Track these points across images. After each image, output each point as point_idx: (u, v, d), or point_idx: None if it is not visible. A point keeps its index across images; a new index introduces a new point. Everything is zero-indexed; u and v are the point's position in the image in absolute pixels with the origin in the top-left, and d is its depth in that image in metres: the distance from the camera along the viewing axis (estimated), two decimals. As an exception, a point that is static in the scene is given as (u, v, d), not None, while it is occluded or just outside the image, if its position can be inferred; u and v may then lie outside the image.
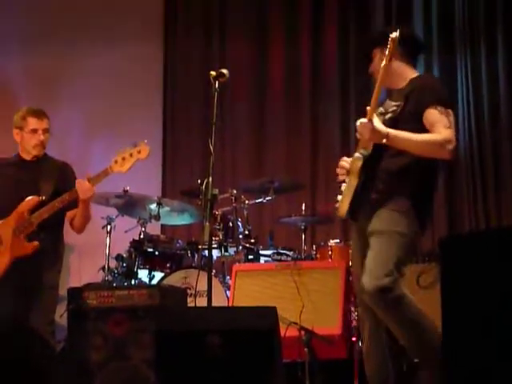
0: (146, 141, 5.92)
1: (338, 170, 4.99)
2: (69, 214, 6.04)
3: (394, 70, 5.06)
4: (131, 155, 5.87)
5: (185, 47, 9.75)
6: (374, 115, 4.78)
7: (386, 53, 4.77)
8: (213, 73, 5.58)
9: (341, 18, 9.30)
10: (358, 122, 4.81)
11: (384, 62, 4.79)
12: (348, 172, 4.92)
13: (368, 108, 4.81)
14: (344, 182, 4.96)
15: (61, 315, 6.28)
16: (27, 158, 6.12)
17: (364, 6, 9.23)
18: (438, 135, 4.79)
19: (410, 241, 4.84)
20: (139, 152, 5.88)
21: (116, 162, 5.87)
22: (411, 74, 5.13)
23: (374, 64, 5.15)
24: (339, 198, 4.98)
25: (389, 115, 4.92)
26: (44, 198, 5.94)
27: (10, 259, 5.92)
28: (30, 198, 5.95)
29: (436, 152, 4.86)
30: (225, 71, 5.58)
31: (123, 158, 5.86)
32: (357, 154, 4.85)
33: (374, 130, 4.74)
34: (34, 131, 6.04)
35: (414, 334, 4.74)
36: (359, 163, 4.84)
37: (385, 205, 4.84)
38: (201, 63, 9.60)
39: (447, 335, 3.54)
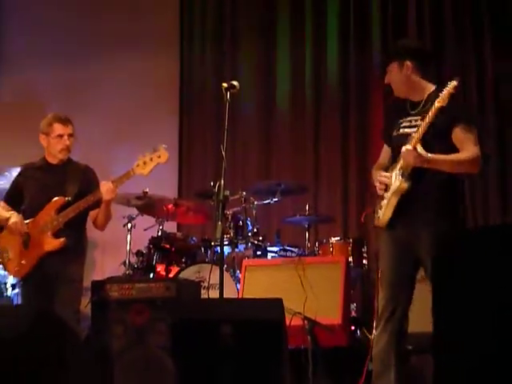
0: (165, 146, 5.94)
1: (378, 185, 5.04)
2: (92, 213, 6.05)
3: (413, 83, 5.08)
4: (151, 159, 5.89)
5: (199, 58, 9.75)
6: (419, 144, 4.80)
7: (445, 97, 4.79)
8: (224, 84, 5.59)
9: (340, 28, 9.28)
10: (404, 149, 4.83)
11: (441, 104, 4.79)
12: (386, 187, 4.98)
13: (413, 135, 4.83)
14: (383, 196, 5.02)
15: (85, 306, 6.29)
16: (53, 161, 6.13)
17: (362, 16, 9.20)
18: (468, 153, 4.90)
19: None
20: (159, 156, 5.90)
21: (138, 165, 5.89)
22: (428, 86, 5.12)
23: (391, 76, 5.11)
24: (380, 211, 5.02)
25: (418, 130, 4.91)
26: (69, 198, 5.96)
27: (38, 254, 5.94)
28: (56, 198, 5.97)
29: (468, 168, 5.04)
30: (235, 83, 5.59)
31: (144, 162, 5.88)
32: (403, 178, 4.89)
33: (418, 157, 4.78)
34: (60, 136, 6.04)
35: None
36: (405, 185, 4.88)
37: (438, 221, 4.89)
38: (214, 72, 9.61)
39: (438, 325, 3.52)
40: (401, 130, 5.08)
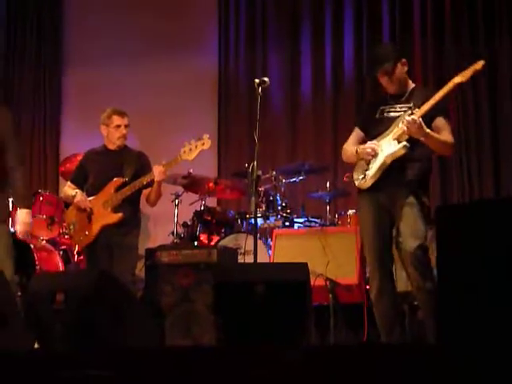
0: (208, 135, 5.95)
1: (368, 151, 4.96)
2: (144, 191, 6.09)
3: (402, 79, 5.05)
4: (196, 146, 5.91)
5: (234, 58, 9.73)
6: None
7: (468, 73, 4.78)
8: (257, 80, 5.59)
9: (355, 30, 9.24)
10: (409, 118, 4.77)
11: (461, 80, 4.81)
12: (376, 154, 4.92)
13: (417, 110, 4.80)
14: (369, 160, 4.97)
15: (140, 269, 6.33)
16: (112, 148, 6.17)
17: (373, 19, 9.16)
18: (451, 139, 4.93)
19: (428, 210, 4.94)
20: (203, 144, 5.92)
21: (184, 151, 5.92)
22: (410, 82, 5.12)
23: (394, 75, 5.01)
24: (369, 172, 4.96)
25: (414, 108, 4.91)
26: (127, 179, 6.00)
27: (100, 227, 5.99)
28: (116, 179, 6.01)
29: (447, 151, 5.12)
30: (266, 79, 5.59)
31: (190, 149, 5.91)
32: (403, 143, 4.84)
33: (420, 128, 4.75)
34: (118, 126, 6.09)
35: None
36: (403, 151, 4.84)
37: (417, 186, 4.91)
38: (247, 69, 9.58)
39: (441, 287, 3.51)
40: (385, 114, 5.05)
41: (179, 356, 3.69)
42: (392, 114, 5.01)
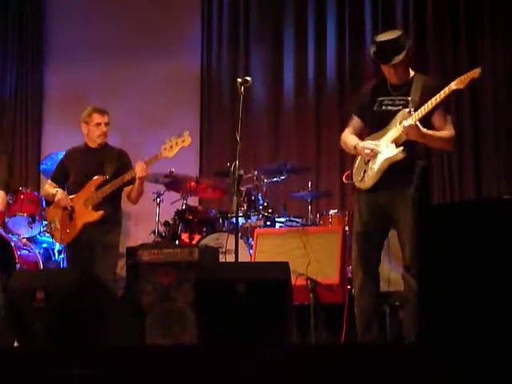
0: (188, 132, 5.95)
1: (368, 152, 4.95)
2: (126, 189, 6.09)
3: (405, 71, 5.02)
4: (177, 144, 5.91)
5: (217, 57, 9.72)
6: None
7: (465, 80, 4.74)
8: (239, 80, 5.60)
9: (337, 31, 9.26)
10: (407, 124, 4.77)
11: (457, 87, 4.77)
12: (375, 154, 4.93)
13: (414, 113, 4.80)
14: (369, 161, 4.98)
15: (121, 268, 6.32)
16: (92, 146, 6.16)
17: (355, 20, 9.19)
18: (450, 133, 4.93)
19: None
20: (183, 141, 5.92)
21: (165, 149, 5.91)
22: (410, 71, 5.08)
23: (403, 64, 4.96)
24: (368, 174, 4.97)
25: (412, 105, 4.88)
26: (107, 177, 5.99)
27: (81, 225, 5.98)
28: (96, 177, 6.00)
29: (448, 145, 5.09)
30: (248, 78, 5.59)
31: (170, 146, 5.91)
32: (401, 148, 4.85)
33: (418, 132, 4.76)
34: (98, 124, 6.08)
35: None
36: (401, 155, 4.85)
37: (417, 188, 4.90)
38: (230, 69, 9.57)
39: (422, 284, 3.53)
40: (383, 107, 5.03)
41: (160, 354, 3.69)
42: (390, 108, 5.00)
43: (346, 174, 5.26)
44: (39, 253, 7.48)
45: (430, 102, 4.79)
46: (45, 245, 7.82)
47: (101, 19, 9.92)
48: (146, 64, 9.65)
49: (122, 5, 9.96)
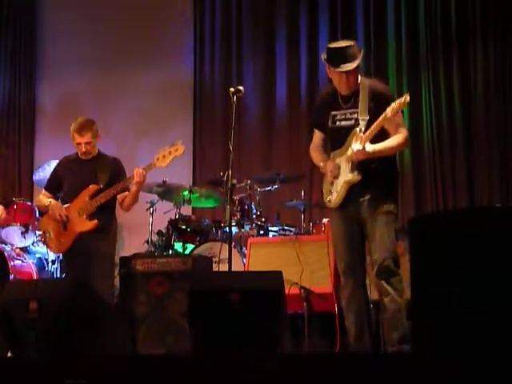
0: (181, 140, 5.94)
1: (330, 174, 5.06)
2: (119, 196, 6.06)
3: (355, 82, 5.04)
4: (170, 153, 5.89)
5: (210, 67, 9.74)
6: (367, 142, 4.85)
7: (396, 107, 4.79)
8: (231, 89, 5.59)
9: (330, 40, 9.27)
10: (355, 149, 4.85)
11: (388, 115, 4.81)
12: (337, 175, 5.01)
13: (362, 135, 4.83)
14: (332, 181, 5.06)
15: (114, 277, 6.31)
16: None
17: (348, 28, 9.22)
18: (401, 136, 4.99)
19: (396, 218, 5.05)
20: (176, 150, 5.90)
21: (158, 158, 5.91)
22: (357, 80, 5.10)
23: (354, 75, 4.99)
24: (331, 196, 5.08)
25: (362, 123, 4.91)
26: (101, 186, 5.97)
27: (75, 234, 5.96)
28: (90, 186, 5.99)
29: (402, 148, 5.26)
30: (241, 88, 5.59)
31: (164, 156, 5.89)
32: (355, 172, 4.92)
33: (367, 154, 4.83)
34: (78, 144, 6.06)
35: None
36: (358, 177, 4.92)
37: (384, 197, 4.97)
38: (222, 79, 9.61)
39: (415, 295, 3.53)
40: (337, 123, 5.07)
41: (153, 364, 3.68)
42: (344, 123, 5.04)
43: (316, 197, 5.39)
44: (33, 263, 7.46)
45: (374, 125, 4.84)
46: (38, 255, 7.81)
47: (92, 32, 9.96)
48: (138, 75, 9.68)
49: (114, 17, 9.99)
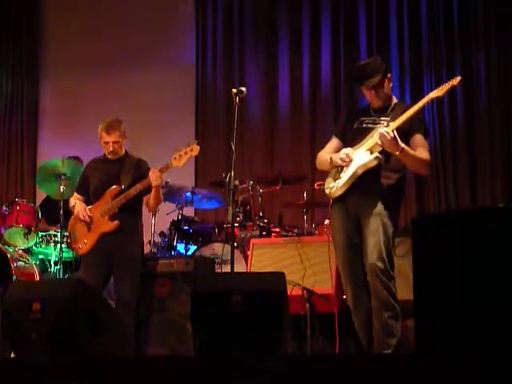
0: (196, 141, 5.96)
1: (344, 157, 4.97)
2: (145, 198, 6.03)
3: (387, 94, 5.06)
4: (186, 153, 5.89)
5: (212, 68, 9.75)
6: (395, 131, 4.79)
7: (444, 88, 4.79)
8: (234, 90, 5.60)
9: (332, 42, 9.31)
10: (383, 130, 4.78)
11: (437, 94, 4.83)
12: (349, 160, 4.93)
13: (392, 123, 4.80)
14: (342, 169, 4.99)
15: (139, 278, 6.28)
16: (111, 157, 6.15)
17: (350, 31, 9.23)
18: (427, 157, 4.93)
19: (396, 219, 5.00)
20: (192, 150, 5.90)
21: (175, 158, 5.90)
22: (393, 98, 5.14)
23: (382, 89, 5.03)
24: (339, 182, 4.99)
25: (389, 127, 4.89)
26: (124, 187, 5.96)
27: (98, 235, 5.94)
28: (113, 187, 5.97)
29: (423, 169, 5.09)
30: (243, 89, 5.59)
31: (180, 156, 5.88)
32: (376, 154, 4.86)
33: (394, 141, 4.75)
34: (106, 143, 6.05)
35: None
36: (375, 162, 4.86)
37: (387, 196, 4.92)
38: (225, 80, 9.63)
39: (418, 294, 3.53)
40: (364, 125, 5.07)
41: (156, 365, 3.68)
42: (371, 126, 5.02)
43: (318, 183, 5.31)
44: (35, 264, 7.45)
45: (409, 111, 4.84)
46: (41, 256, 7.80)
47: (95, 33, 9.98)
48: (140, 76, 9.70)
49: (116, 17, 10.00)
